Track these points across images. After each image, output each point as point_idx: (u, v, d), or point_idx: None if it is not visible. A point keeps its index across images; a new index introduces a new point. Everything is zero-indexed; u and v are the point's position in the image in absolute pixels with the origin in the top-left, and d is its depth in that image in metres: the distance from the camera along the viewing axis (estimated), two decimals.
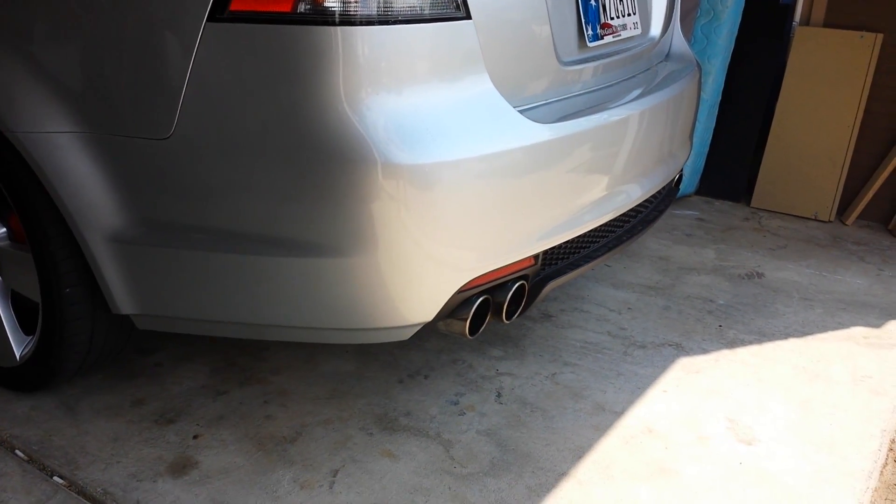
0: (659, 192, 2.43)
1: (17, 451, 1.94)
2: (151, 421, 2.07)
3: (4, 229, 2.05)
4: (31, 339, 2.06)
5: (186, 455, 1.95)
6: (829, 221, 3.70)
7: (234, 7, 1.56)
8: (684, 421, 2.14)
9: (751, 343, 2.57)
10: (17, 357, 2.09)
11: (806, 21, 3.70)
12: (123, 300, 1.87)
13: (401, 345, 2.45)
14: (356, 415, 2.12)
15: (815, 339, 2.61)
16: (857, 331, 2.68)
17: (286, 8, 1.54)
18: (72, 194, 1.77)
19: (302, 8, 1.54)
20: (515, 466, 1.95)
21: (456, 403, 2.18)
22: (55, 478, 1.86)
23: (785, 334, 2.63)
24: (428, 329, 1.84)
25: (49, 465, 1.90)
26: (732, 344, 2.55)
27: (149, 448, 1.97)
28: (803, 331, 2.66)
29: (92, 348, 2.02)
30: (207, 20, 1.58)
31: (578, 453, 2.00)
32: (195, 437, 2.01)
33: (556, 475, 1.92)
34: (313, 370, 2.31)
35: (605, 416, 2.15)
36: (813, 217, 3.72)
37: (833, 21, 3.64)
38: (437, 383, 2.27)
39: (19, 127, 1.76)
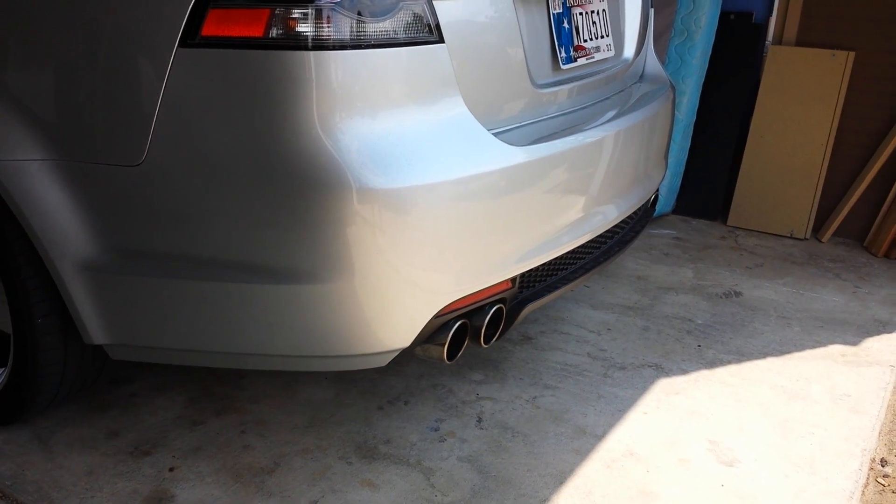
0: (635, 212, 2.44)
1: None
2: (126, 453, 2.03)
3: None
4: (3, 371, 2.02)
5: (162, 488, 1.91)
6: (805, 239, 3.72)
7: (205, 32, 1.55)
8: (665, 443, 2.13)
9: (730, 363, 2.56)
10: None
11: (779, 40, 3.74)
12: (96, 330, 1.84)
13: (380, 370, 2.43)
14: (335, 443, 2.09)
15: (794, 357, 2.62)
16: (835, 349, 2.68)
17: (258, 33, 1.53)
18: (42, 223, 1.74)
19: (274, 33, 1.53)
20: (497, 494, 1.93)
21: (436, 430, 2.16)
22: None
23: (763, 353, 2.63)
24: (406, 354, 1.83)
25: (22, 500, 1.85)
26: (712, 364, 2.55)
27: (124, 481, 1.93)
28: (781, 350, 2.66)
29: (65, 379, 1.99)
30: (179, 46, 1.57)
31: (560, 478, 1.98)
32: (171, 469, 1.98)
33: (537, 501, 1.90)
34: (291, 398, 2.28)
35: (587, 439, 2.14)
36: (789, 235, 3.74)
37: (805, 40, 3.69)
38: (417, 409, 2.25)
39: None
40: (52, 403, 2.06)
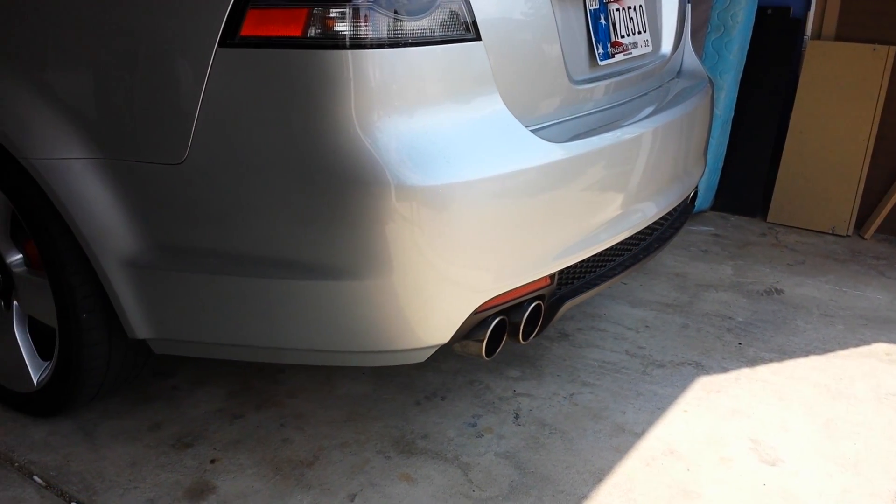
0: (674, 209, 2.42)
1: (35, 477, 1.93)
2: (169, 445, 2.06)
3: (21, 255, 2.06)
4: (49, 365, 2.07)
5: (204, 480, 1.94)
6: (847, 236, 3.66)
7: (244, 32, 1.57)
8: (706, 441, 2.12)
9: (771, 361, 2.54)
10: (35, 382, 2.09)
11: (817, 35, 3.68)
12: (139, 325, 1.87)
13: (417, 366, 2.44)
14: (373, 438, 2.11)
15: (837, 356, 2.58)
16: (880, 347, 2.64)
17: (297, 32, 1.55)
18: (86, 220, 1.77)
19: (312, 32, 1.54)
20: (535, 490, 1.93)
21: (474, 425, 2.17)
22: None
23: (806, 352, 2.60)
24: (444, 350, 1.83)
25: (67, 490, 1.89)
26: (753, 362, 2.53)
27: (166, 473, 1.96)
28: (824, 348, 2.63)
29: (109, 373, 2.02)
30: (219, 45, 1.59)
31: (599, 476, 1.98)
32: (212, 461, 2.01)
33: (576, 498, 1.90)
34: (330, 393, 2.30)
35: (626, 437, 2.13)
36: (830, 231, 3.68)
37: (845, 34, 3.63)
38: (454, 405, 2.26)
39: (34, 154, 1.77)
40: (96, 396, 2.09)
